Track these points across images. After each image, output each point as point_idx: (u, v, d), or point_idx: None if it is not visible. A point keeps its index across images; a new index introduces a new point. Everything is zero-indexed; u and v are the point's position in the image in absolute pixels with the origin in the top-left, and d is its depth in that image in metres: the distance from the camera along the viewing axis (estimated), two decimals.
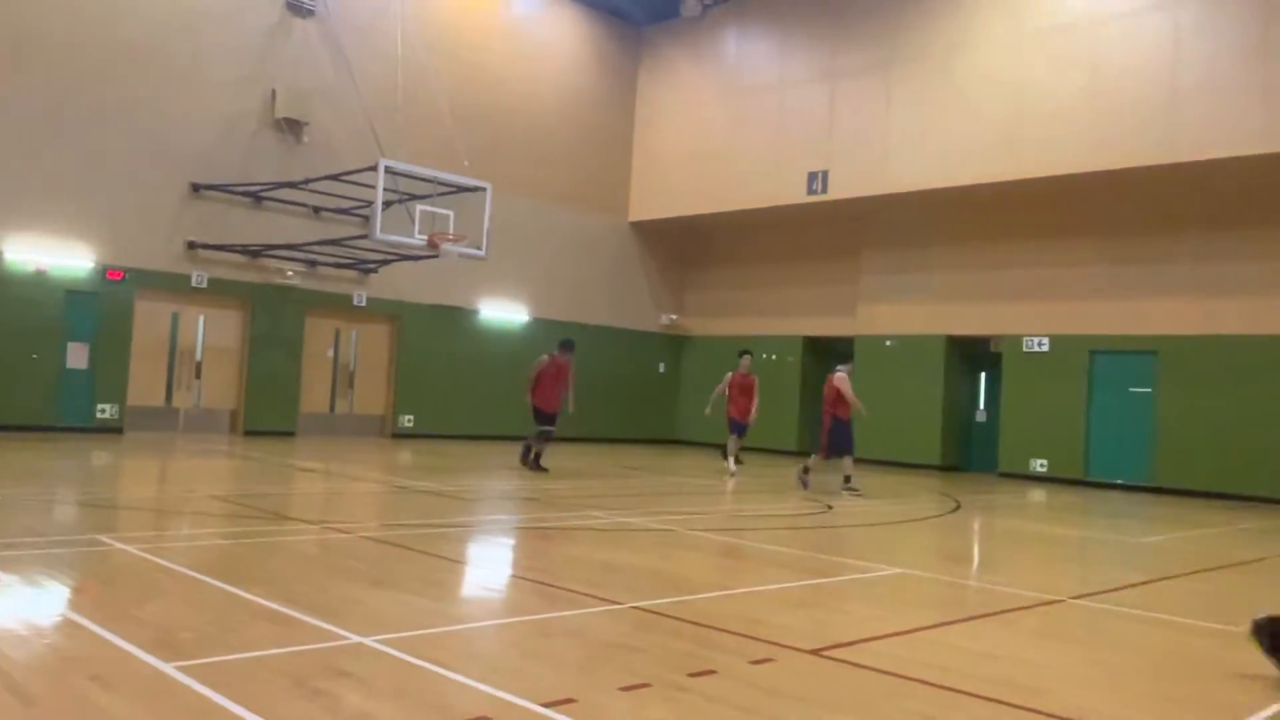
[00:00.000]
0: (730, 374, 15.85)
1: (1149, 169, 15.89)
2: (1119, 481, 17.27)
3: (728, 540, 8.29)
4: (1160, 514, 13.24)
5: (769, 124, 20.96)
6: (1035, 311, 18.49)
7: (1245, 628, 4.61)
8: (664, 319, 24.37)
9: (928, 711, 3.75)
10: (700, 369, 23.88)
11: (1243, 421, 15.94)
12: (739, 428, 15.67)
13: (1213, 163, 15.26)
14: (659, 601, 5.46)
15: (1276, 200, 15.91)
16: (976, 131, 17.64)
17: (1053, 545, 9.82)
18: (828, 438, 13.11)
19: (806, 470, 13.31)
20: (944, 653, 4.75)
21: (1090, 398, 17.90)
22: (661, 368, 24.39)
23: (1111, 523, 12.09)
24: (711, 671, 4.08)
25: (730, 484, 13.72)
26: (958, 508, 12.17)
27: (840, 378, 13.17)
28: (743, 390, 15.64)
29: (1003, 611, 5.83)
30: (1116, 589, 6.87)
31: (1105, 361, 17.79)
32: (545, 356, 13.91)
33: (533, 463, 13.67)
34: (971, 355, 19.99)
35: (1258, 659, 4.89)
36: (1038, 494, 15.72)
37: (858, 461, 13.59)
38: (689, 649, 4.48)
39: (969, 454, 19.79)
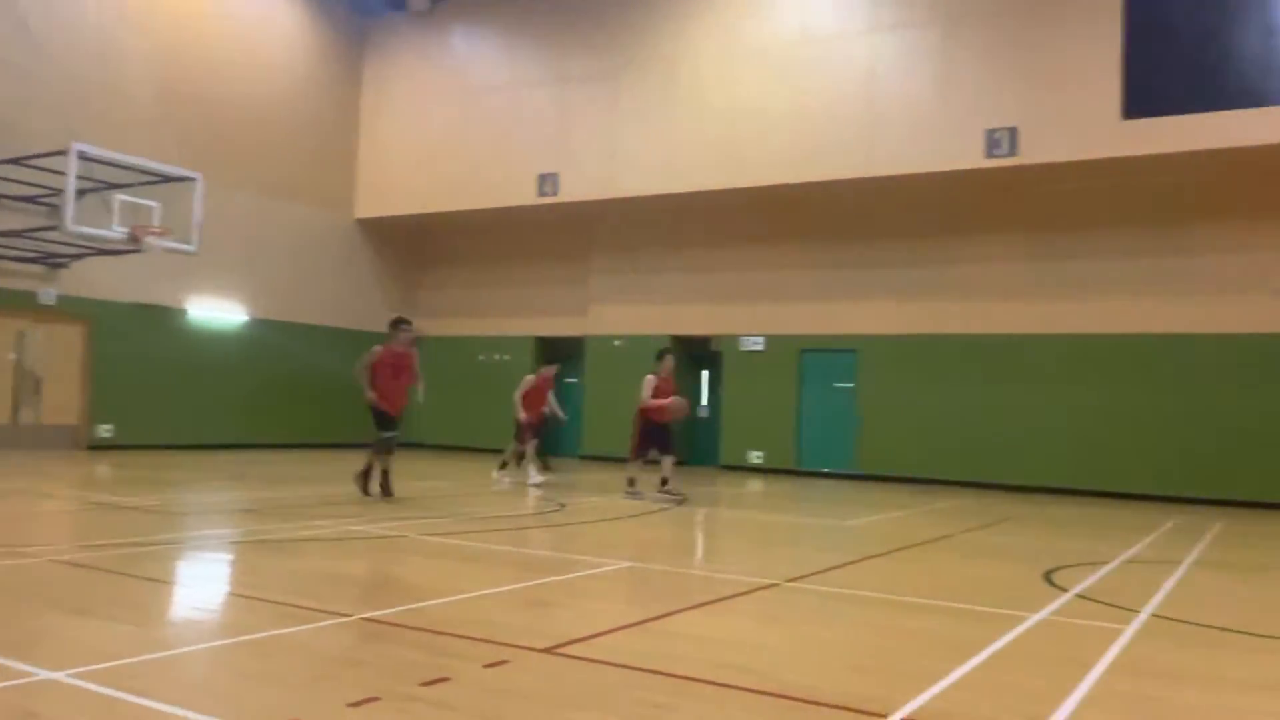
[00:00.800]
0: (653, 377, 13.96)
1: (850, 181, 17.30)
2: (827, 470, 18.66)
3: (460, 544, 8.20)
4: (863, 499, 14.42)
5: (500, 124, 20.93)
6: (752, 312, 19.64)
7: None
8: None
9: (660, 700, 3.88)
10: (433, 371, 23.45)
11: (934, 412, 17.68)
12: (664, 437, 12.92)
13: (906, 177, 16.84)
14: (389, 611, 5.31)
15: (959, 213, 17.77)
16: (697, 142, 18.48)
17: (769, 532, 10.46)
18: (639, 440, 12.64)
19: (633, 482, 12.59)
20: (673, 642, 4.93)
21: (800, 393, 19.24)
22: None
23: (821, 508, 13.02)
24: (445, 679, 4.01)
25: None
26: (684, 500, 12.68)
27: (648, 379, 12.63)
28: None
29: (725, 598, 6.13)
30: (824, 570, 7.41)
31: (813, 359, 19.18)
32: (378, 347, 11.18)
33: (383, 487, 11.12)
34: (695, 354, 20.91)
35: (940, 624, 5.44)
36: (755, 484, 16.70)
37: (590, 459, 13.83)
38: (421, 658, 4.39)
39: (693, 448, 20.69)
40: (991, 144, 15.95)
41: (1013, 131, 15.80)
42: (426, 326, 24.04)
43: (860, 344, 18.54)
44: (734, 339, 19.80)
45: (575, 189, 19.79)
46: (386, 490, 11.12)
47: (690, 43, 18.99)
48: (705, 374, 21.23)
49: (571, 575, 6.89)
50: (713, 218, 19.97)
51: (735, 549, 9.26)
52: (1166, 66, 14.98)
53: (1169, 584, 7.35)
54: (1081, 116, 15.32)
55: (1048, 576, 7.40)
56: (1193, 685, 4.52)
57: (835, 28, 17.57)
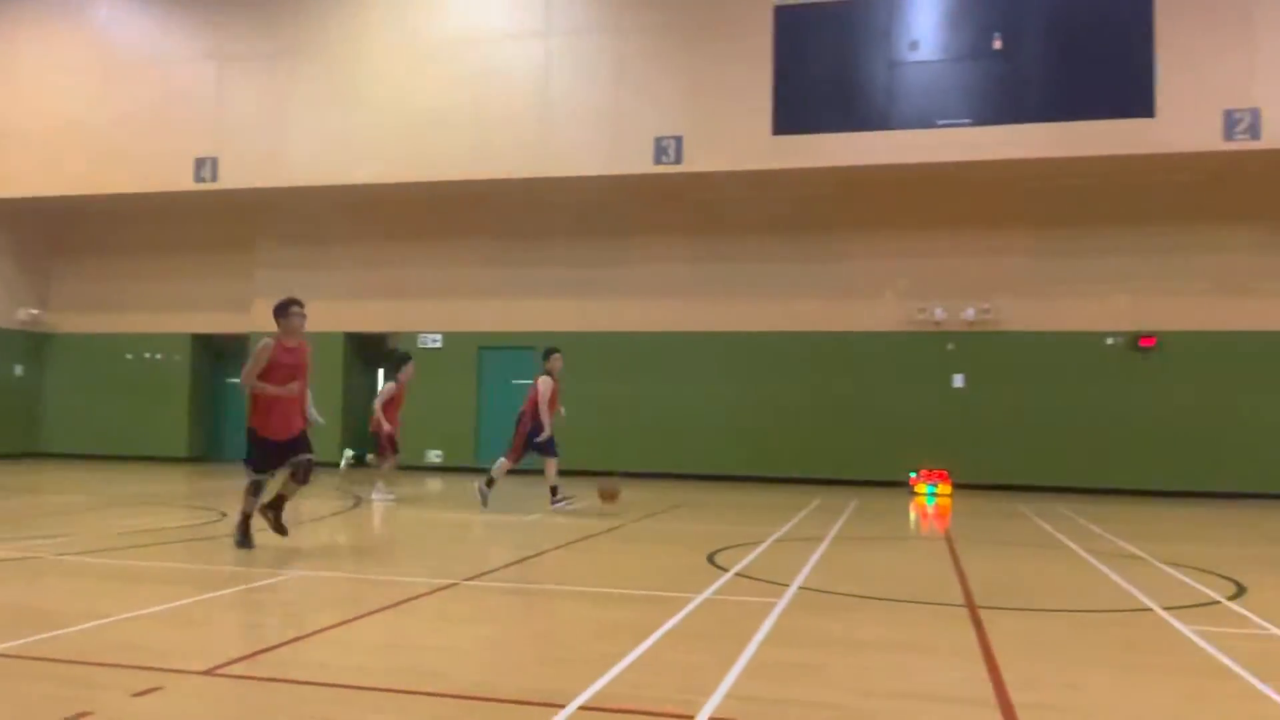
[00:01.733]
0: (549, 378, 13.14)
1: (527, 181, 17.55)
2: None
3: (107, 562, 7.43)
4: (540, 492, 14.66)
5: (150, 101, 19.15)
6: (430, 309, 19.38)
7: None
8: (22, 314, 21.07)
9: (332, 714, 3.73)
10: (69, 371, 21.10)
11: (610, 407, 18.32)
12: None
13: (581, 179, 17.33)
14: (19, 643, 4.70)
15: (630, 215, 18.52)
16: (373, 134, 17.94)
17: (448, 531, 10.38)
18: (523, 442, 12.11)
19: (490, 483, 12.15)
20: (347, 651, 4.76)
21: (480, 391, 19.25)
22: (19, 370, 21.06)
23: (499, 505, 13.09)
24: (86, 714, 3.62)
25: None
26: (358, 503, 12.27)
27: (544, 380, 12.15)
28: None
29: (402, 601, 6.01)
30: (504, 566, 7.47)
31: (492, 356, 19.26)
32: (269, 339, 9.15)
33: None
34: (370, 352, 20.29)
35: (615, 611, 5.65)
36: (434, 483, 16.50)
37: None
38: (59, 692, 3.93)
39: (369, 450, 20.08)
40: (660, 151, 16.80)
41: (678, 140, 16.72)
42: (60, 322, 21.57)
43: (539, 341, 18.81)
44: (412, 336, 19.44)
45: (236, 175, 18.54)
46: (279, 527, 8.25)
47: (363, 32, 18.39)
48: (381, 372, 20.68)
49: (235, 589, 6.46)
50: (389, 212, 19.47)
51: (414, 550, 9.10)
52: (809, 89, 16.50)
53: (814, 558, 8.11)
54: (739, 130, 16.52)
55: (711, 558, 7.91)
56: (837, 649, 5.01)
57: (510, 28, 17.73)
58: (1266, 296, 16.05)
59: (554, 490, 12.08)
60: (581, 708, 3.79)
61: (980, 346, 17.17)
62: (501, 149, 17.29)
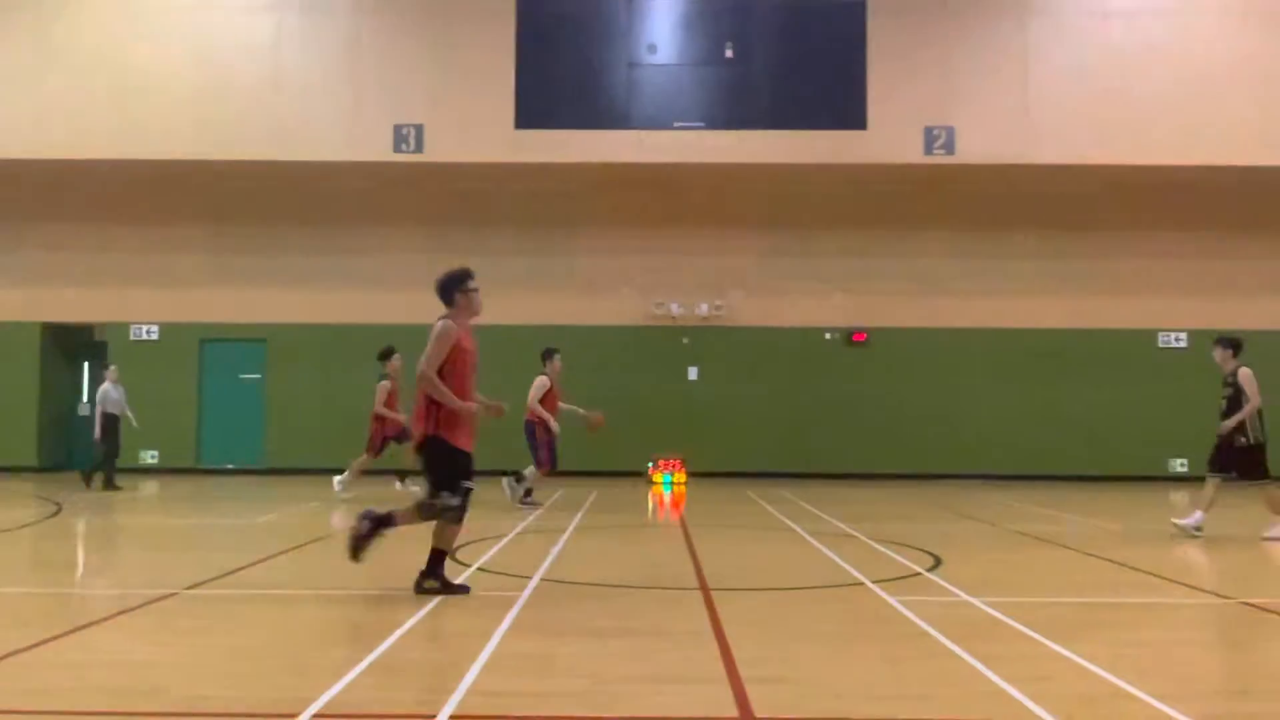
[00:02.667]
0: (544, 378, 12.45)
1: (257, 163, 16.58)
2: (230, 466, 17.71)
3: None
4: (275, 494, 13.95)
5: None
6: (144, 298, 17.89)
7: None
8: None
9: None
10: None
11: (350, 402, 17.58)
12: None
13: (314, 164, 16.58)
14: None
15: (368, 203, 17.91)
16: (81, 103, 16.34)
17: (166, 537, 9.64)
18: (549, 448, 11.90)
19: (522, 482, 11.91)
20: (44, 673, 4.32)
21: (201, 386, 18.01)
22: None
23: (227, 507, 12.33)
24: None
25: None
26: (59, 511, 11.17)
27: (541, 381, 12.05)
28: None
29: (112, 616, 5.53)
30: (231, 572, 7.04)
31: (216, 349, 18.06)
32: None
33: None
34: (73, 344, 18.49)
35: (353, 613, 5.47)
36: (149, 486, 15.28)
37: None
38: None
39: (74, 451, 18.30)
40: (399, 139, 16.37)
41: (419, 129, 16.38)
42: None
43: (270, 333, 17.86)
44: (122, 327, 17.86)
45: None
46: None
47: None
48: (86, 366, 18.89)
49: None
50: (98, 190, 17.77)
51: (125, 560, 8.39)
52: (552, 84, 16.65)
53: (556, 549, 8.21)
54: (482, 122, 16.40)
55: (452, 554, 7.81)
56: (577, 637, 5.10)
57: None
58: (960, 296, 17.83)
59: (528, 490, 12.07)
60: (317, 716, 3.64)
61: (713, 340, 18.01)
62: (228, 128, 16.24)
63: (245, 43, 16.58)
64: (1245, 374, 9.55)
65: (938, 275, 17.92)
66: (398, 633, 5.03)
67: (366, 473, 13.18)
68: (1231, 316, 17.53)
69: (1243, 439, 9.45)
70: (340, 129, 16.38)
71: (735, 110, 16.61)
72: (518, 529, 9.63)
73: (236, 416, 17.94)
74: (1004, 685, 4.12)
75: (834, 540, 9.02)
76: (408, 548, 7.68)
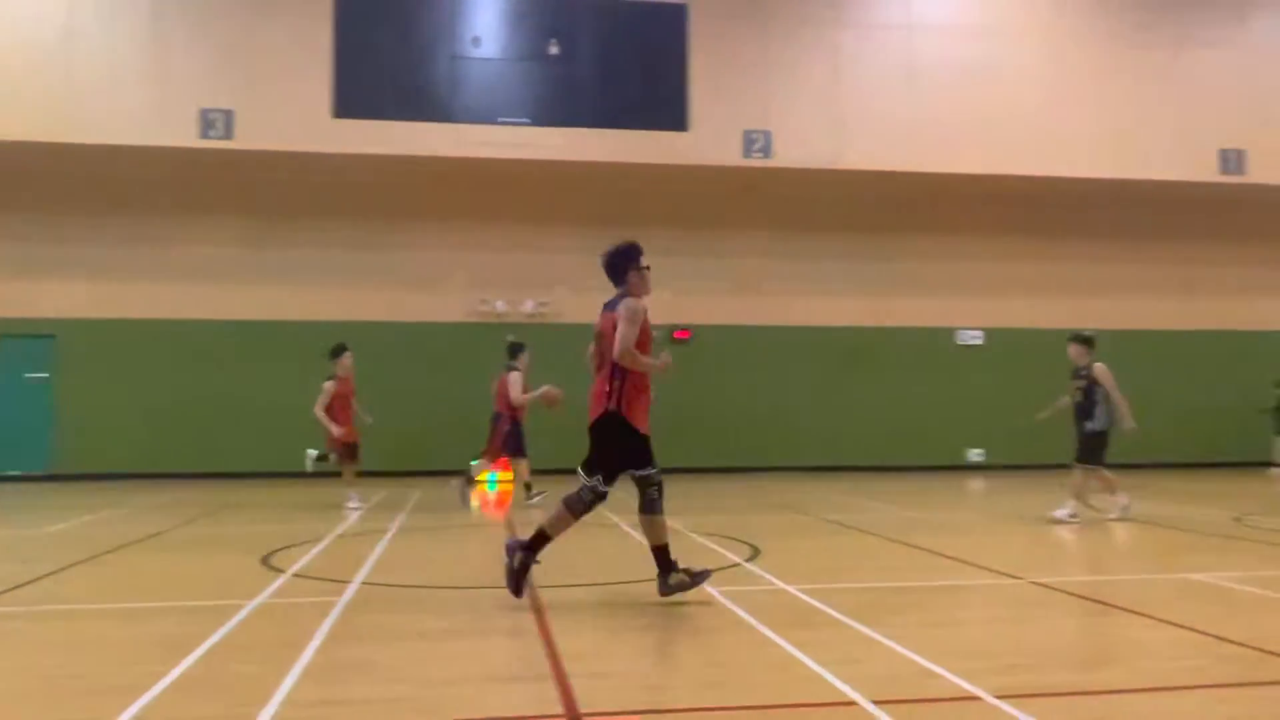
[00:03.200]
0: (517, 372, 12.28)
1: (49, 146, 15.38)
2: (14, 473, 16.36)
3: None
4: (65, 501, 12.96)
5: None
6: None
7: None
8: None
9: None
10: None
11: (152, 402, 16.59)
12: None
13: (113, 148, 15.51)
14: None
15: (173, 192, 16.90)
16: None
17: None
18: (503, 441, 11.89)
19: (470, 481, 12.08)
20: None
21: None
22: None
23: (9, 516, 11.39)
24: None
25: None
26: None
27: (515, 377, 12.00)
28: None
29: None
30: (15, 587, 6.51)
31: None
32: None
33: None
34: None
35: (154, 627, 5.16)
36: None
37: None
38: None
39: None
40: (206, 124, 15.54)
41: (229, 114, 15.59)
42: None
43: (60, 329, 16.60)
44: None
45: None
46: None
47: None
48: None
49: None
50: None
51: None
52: (372, 73, 16.18)
53: (377, 552, 8.00)
54: (297, 109, 15.76)
55: (266, 560, 7.49)
56: (400, 642, 4.98)
57: None
58: (778, 295, 18.45)
59: (528, 487, 12.05)
60: None
61: (539, 338, 17.92)
62: (19, 110, 14.98)
63: (34, 14, 15.34)
64: (1100, 368, 10.36)
65: (757, 274, 18.49)
66: (205, 645, 4.78)
67: (318, 475, 12.56)
68: (1022, 315, 18.94)
69: (1090, 424, 10.29)
70: (141, 111, 15.38)
71: (561, 108, 16.61)
72: (337, 531, 9.33)
73: (21, 419, 16.57)
74: (818, 669, 4.30)
75: None
76: (229, 560, 7.33)
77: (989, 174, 17.45)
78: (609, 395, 5.98)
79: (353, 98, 15.97)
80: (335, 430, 11.41)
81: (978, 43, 17.67)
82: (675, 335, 18.14)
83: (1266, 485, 15.41)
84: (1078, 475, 10.42)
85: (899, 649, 4.66)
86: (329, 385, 11.66)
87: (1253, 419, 18.63)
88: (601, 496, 5.97)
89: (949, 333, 18.95)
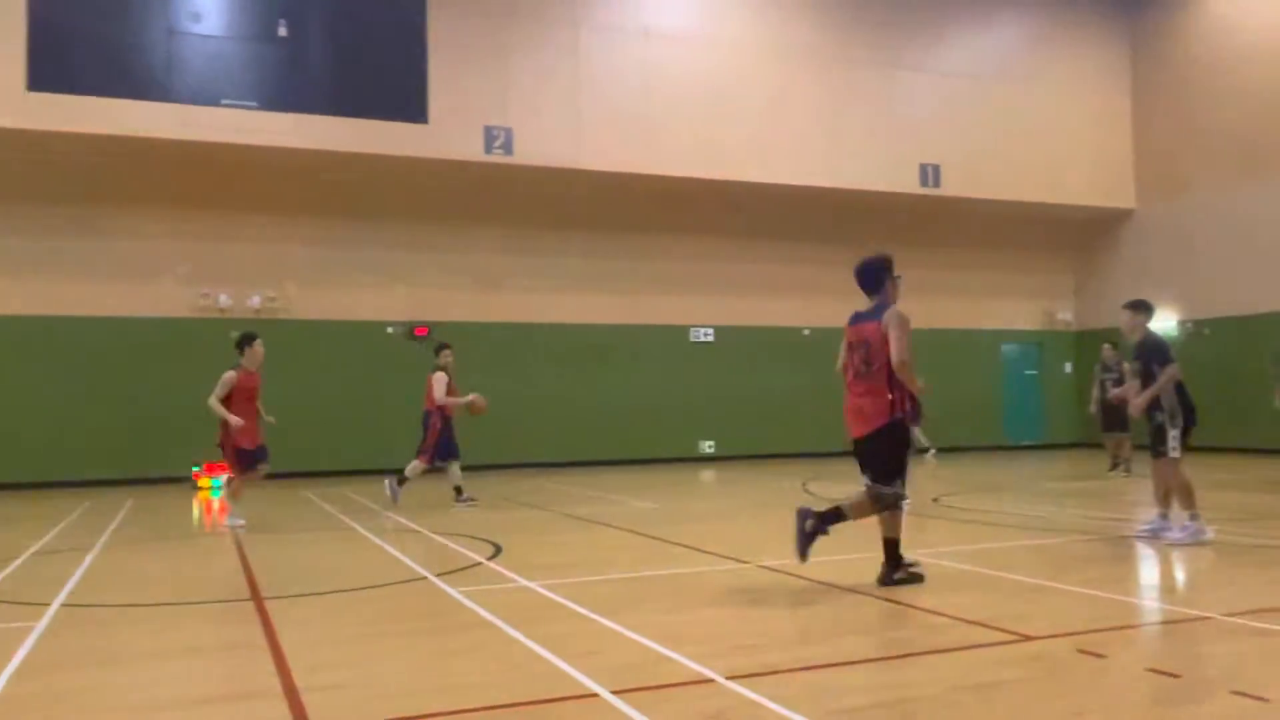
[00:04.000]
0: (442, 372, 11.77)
1: None
2: None
3: None
4: None
5: None
6: None
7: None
8: None
9: None
10: None
11: None
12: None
13: None
14: None
15: None
16: None
17: None
18: (436, 440, 11.55)
19: (402, 481, 11.65)
20: None
21: None
22: None
23: None
24: None
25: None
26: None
27: (438, 377, 11.59)
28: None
29: None
30: None
31: None
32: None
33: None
34: None
35: None
36: None
37: None
38: None
39: None
40: None
41: None
42: None
43: None
44: None
45: None
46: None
47: None
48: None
49: None
50: None
51: None
52: (75, 44, 14.69)
53: (81, 569, 7.29)
54: None
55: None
56: (113, 665, 4.56)
57: None
58: (519, 291, 18.47)
59: (458, 491, 11.73)
60: None
61: (268, 335, 16.95)
62: None
63: None
64: None
65: (499, 271, 18.42)
66: None
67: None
68: (749, 314, 20.03)
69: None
70: None
71: (290, 92, 15.78)
72: (30, 549, 8.41)
73: None
74: (559, 663, 4.34)
75: (396, 536, 8.94)
76: None
77: (718, 179, 18.30)
78: (893, 404, 6.09)
79: (50, 70, 14.42)
80: (234, 420, 9.52)
81: (709, 53, 18.48)
82: (416, 332, 17.77)
83: (951, 469, 17.10)
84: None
85: (637, 638, 4.80)
86: (230, 376, 9.80)
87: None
88: (904, 498, 6.23)
89: (684, 330, 19.71)
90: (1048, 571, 6.67)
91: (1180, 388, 7.82)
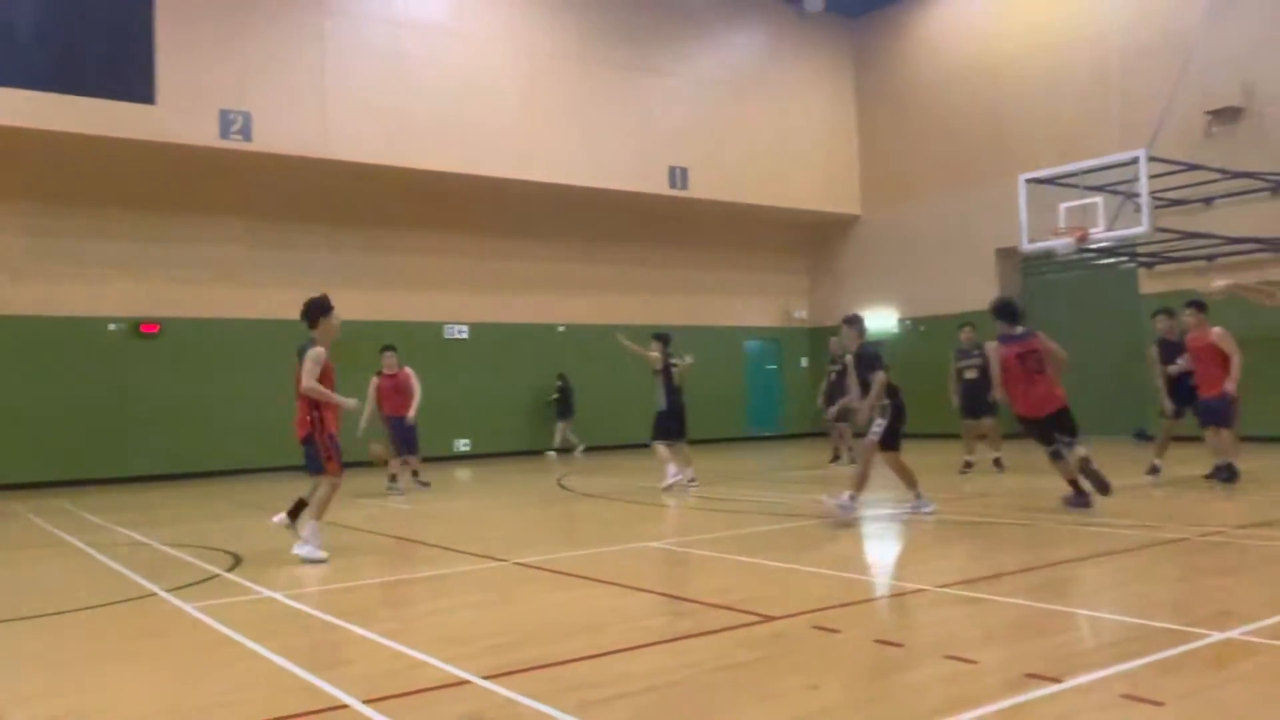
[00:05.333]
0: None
1: None
2: None
3: None
4: None
5: None
6: None
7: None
8: None
9: None
10: None
11: None
12: None
13: None
14: None
15: None
16: None
17: None
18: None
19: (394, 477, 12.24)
20: None
21: None
22: None
23: None
24: None
25: None
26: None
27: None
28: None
29: None
30: None
31: None
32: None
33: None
34: None
35: None
36: None
37: None
38: None
39: None
40: None
41: None
42: None
43: None
44: None
45: None
46: None
47: None
48: None
49: None
50: None
51: None
52: None
53: None
54: None
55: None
56: None
57: None
58: (260, 286, 17.48)
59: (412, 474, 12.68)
60: None
61: None
62: None
63: None
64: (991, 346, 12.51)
65: (238, 264, 17.38)
66: None
67: None
68: (503, 311, 19.96)
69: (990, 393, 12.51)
70: None
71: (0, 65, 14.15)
72: None
73: None
74: (307, 676, 4.17)
75: (123, 551, 8.25)
76: None
77: (471, 174, 18.11)
78: (1062, 395, 8.53)
79: None
80: (349, 404, 7.72)
81: (462, 47, 18.25)
82: (142, 329, 16.48)
83: (701, 460, 17.79)
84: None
85: (390, 644, 4.68)
86: (316, 352, 7.62)
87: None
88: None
89: (437, 327, 19.37)
90: (788, 554, 7.09)
91: (892, 389, 8.55)
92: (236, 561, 7.41)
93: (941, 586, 5.66)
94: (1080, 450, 8.42)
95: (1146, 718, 3.40)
